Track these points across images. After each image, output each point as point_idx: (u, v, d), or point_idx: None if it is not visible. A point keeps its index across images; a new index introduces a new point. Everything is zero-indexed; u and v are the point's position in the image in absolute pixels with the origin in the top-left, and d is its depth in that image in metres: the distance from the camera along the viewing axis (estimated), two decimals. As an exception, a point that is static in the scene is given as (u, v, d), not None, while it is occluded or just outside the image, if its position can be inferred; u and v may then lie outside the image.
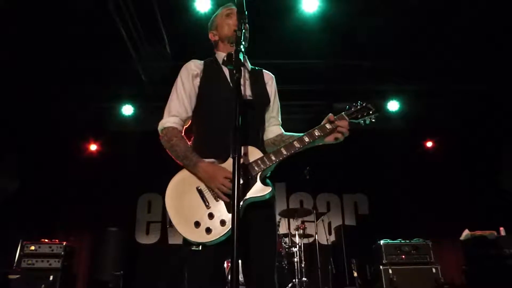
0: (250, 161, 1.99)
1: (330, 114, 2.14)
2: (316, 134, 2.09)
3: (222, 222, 1.90)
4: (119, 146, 7.71)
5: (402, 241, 5.70)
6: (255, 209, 1.96)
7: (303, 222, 6.19)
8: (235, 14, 2.20)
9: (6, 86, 6.21)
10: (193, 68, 2.24)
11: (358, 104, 2.21)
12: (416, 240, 5.72)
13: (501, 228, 5.63)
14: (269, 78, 2.38)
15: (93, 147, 7.91)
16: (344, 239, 6.60)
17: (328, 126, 2.12)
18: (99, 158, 7.86)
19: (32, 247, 5.70)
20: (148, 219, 7.78)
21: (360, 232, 7.28)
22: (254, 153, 2.02)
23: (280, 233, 6.21)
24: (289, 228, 6.80)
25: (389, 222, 7.21)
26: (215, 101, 2.15)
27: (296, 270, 5.63)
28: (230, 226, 1.81)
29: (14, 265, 5.58)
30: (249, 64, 2.36)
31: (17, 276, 5.42)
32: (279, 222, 6.52)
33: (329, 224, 7.62)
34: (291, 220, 6.92)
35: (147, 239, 7.64)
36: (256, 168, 1.97)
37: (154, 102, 7.20)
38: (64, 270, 5.70)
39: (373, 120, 2.22)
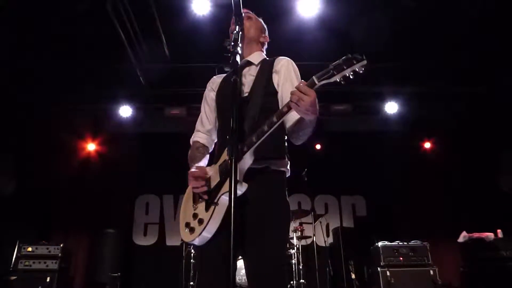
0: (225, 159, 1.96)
1: (301, 80, 1.83)
2: (284, 110, 1.81)
3: (200, 221, 1.91)
4: (117, 147, 7.69)
5: (399, 243, 5.70)
6: (245, 206, 1.87)
7: (301, 224, 6.18)
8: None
9: (4, 86, 6.21)
10: (210, 84, 2.40)
11: (341, 59, 1.83)
12: (414, 242, 5.72)
13: (499, 231, 5.64)
14: (280, 64, 2.20)
15: (91, 148, 7.89)
16: (342, 240, 6.58)
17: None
18: (97, 159, 7.84)
19: (29, 249, 5.68)
20: (146, 221, 7.76)
21: (358, 233, 7.27)
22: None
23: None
24: (287, 230, 6.79)
25: (387, 224, 7.21)
26: (223, 108, 2.21)
27: (294, 272, 5.63)
28: (205, 225, 1.86)
29: (11, 266, 5.57)
30: (262, 57, 2.30)
31: (14, 277, 5.40)
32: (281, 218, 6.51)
33: (327, 225, 7.62)
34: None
35: (145, 240, 7.62)
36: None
37: (152, 103, 7.22)
38: (61, 272, 5.68)
39: (360, 71, 1.82)
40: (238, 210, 1.77)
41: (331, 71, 1.79)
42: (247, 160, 1.89)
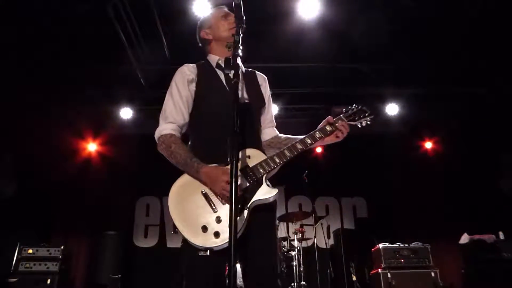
0: (254, 163, 1.99)
1: (329, 116, 2.22)
2: (318, 136, 2.16)
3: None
4: (117, 149, 7.70)
5: (401, 244, 5.68)
6: (257, 212, 1.94)
7: (301, 226, 6.17)
8: (232, 17, 2.21)
9: (5, 88, 6.21)
10: (188, 72, 2.21)
11: (354, 107, 2.31)
12: (415, 244, 5.70)
13: (500, 232, 5.63)
14: (263, 79, 2.38)
15: (91, 149, 7.88)
16: (343, 242, 6.57)
17: (328, 128, 2.19)
18: (97, 161, 7.84)
19: (30, 251, 5.68)
20: (146, 223, 7.76)
21: (359, 235, 7.25)
22: (257, 156, 2.01)
23: (279, 236, 6.19)
24: (287, 232, 6.78)
25: (387, 225, 7.21)
26: (212, 106, 2.13)
27: (294, 274, 5.62)
28: (239, 229, 1.83)
29: (12, 268, 5.56)
30: (243, 66, 2.31)
31: (15, 279, 5.40)
32: (277, 225, 6.51)
33: (328, 227, 7.61)
34: (289, 223, 6.89)
35: (145, 242, 7.62)
36: (261, 170, 1.97)
37: (153, 105, 7.21)
38: (62, 274, 5.68)
39: (369, 122, 2.32)
40: (264, 215, 1.99)
41: (352, 115, 2.29)
42: (275, 170, 2.06)
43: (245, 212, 1.89)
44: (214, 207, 1.93)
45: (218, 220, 1.90)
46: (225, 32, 2.23)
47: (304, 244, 6.21)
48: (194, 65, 2.28)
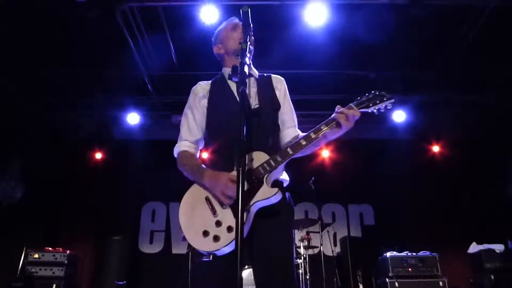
0: (257, 165, 1.95)
1: (338, 105, 2.08)
2: (323, 129, 2.02)
3: (229, 229, 1.86)
4: (124, 154, 7.73)
5: (408, 253, 5.63)
6: (266, 216, 1.92)
7: (308, 233, 6.12)
8: (240, 27, 2.22)
9: (12, 94, 6.27)
10: (199, 90, 2.30)
11: (371, 93, 2.12)
12: (423, 253, 5.64)
13: (509, 241, 5.56)
14: (278, 82, 2.34)
15: (98, 155, 7.92)
16: (350, 250, 6.51)
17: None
18: (104, 166, 7.87)
19: (36, 255, 5.71)
20: (152, 228, 7.75)
21: (366, 243, 7.19)
22: (260, 157, 1.97)
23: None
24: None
25: (395, 233, 7.14)
26: (223, 117, 2.16)
27: (301, 282, 5.58)
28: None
29: (18, 272, 5.58)
30: (256, 72, 2.35)
31: (21, 284, 5.41)
32: (293, 231, 6.49)
33: (335, 235, 7.55)
34: (296, 231, 6.86)
35: (151, 248, 7.61)
36: (262, 171, 1.93)
37: (160, 111, 7.26)
38: (67, 279, 5.70)
39: (389, 107, 2.12)
40: (272, 219, 1.95)
41: (366, 102, 2.10)
42: (279, 171, 2.01)
43: (245, 214, 1.84)
44: (214, 211, 1.94)
45: (218, 224, 1.90)
46: (234, 44, 2.25)
47: (310, 251, 6.16)
48: (208, 81, 2.35)
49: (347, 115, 2.00)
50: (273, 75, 2.37)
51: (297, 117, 2.38)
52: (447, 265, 5.95)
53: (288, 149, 1.97)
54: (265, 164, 1.95)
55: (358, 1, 4.99)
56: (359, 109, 2.06)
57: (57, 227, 7.39)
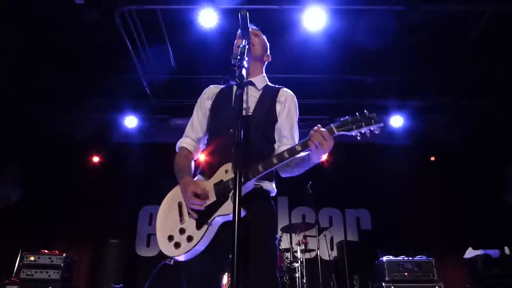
0: (228, 178, 1.91)
1: (318, 125, 1.88)
2: (297, 149, 1.88)
3: (189, 238, 1.89)
4: (121, 157, 7.71)
5: (405, 258, 5.63)
6: (245, 225, 1.83)
7: (305, 237, 6.12)
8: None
9: (11, 96, 6.26)
10: (207, 92, 2.38)
11: (360, 114, 1.90)
12: (419, 258, 5.64)
13: (505, 247, 5.57)
14: (284, 96, 2.26)
15: (95, 158, 7.91)
16: (346, 254, 6.51)
17: (309, 142, 1.87)
18: (102, 169, 7.86)
19: (32, 258, 5.65)
20: (149, 232, 7.74)
21: (363, 248, 7.20)
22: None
23: (282, 247, 6.15)
24: (291, 243, 6.74)
25: (391, 238, 7.14)
26: (220, 119, 2.20)
27: (297, 286, 5.56)
28: (195, 243, 1.85)
29: (13, 275, 5.55)
30: (265, 82, 2.33)
31: (16, 287, 5.38)
32: (280, 237, 6.48)
33: (331, 239, 7.55)
34: (292, 234, 6.85)
35: (148, 251, 7.59)
36: (231, 186, 1.87)
37: (158, 114, 7.25)
38: (63, 282, 5.64)
39: (376, 132, 1.89)
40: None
41: (350, 124, 1.88)
42: (249, 186, 1.90)
43: (204, 227, 1.87)
44: (181, 219, 1.97)
45: (182, 231, 1.93)
46: (234, 51, 2.29)
47: (307, 255, 6.16)
48: (219, 86, 2.40)
49: (319, 139, 1.83)
50: (283, 89, 2.31)
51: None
52: (444, 270, 5.97)
53: (259, 166, 1.87)
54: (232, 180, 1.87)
55: (357, 7, 5.01)
56: (340, 131, 1.87)
57: (54, 230, 7.36)
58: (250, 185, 1.89)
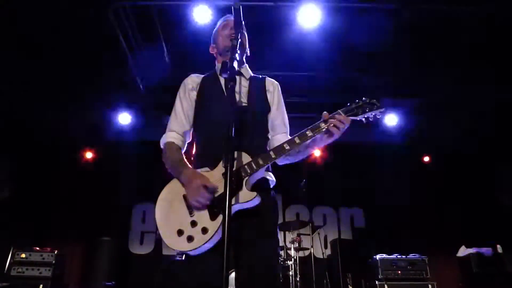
0: (238, 166, 1.91)
1: (325, 112, 2.01)
2: (309, 135, 1.97)
3: (204, 230, 1.84)
4: (115, 154, 7.67)
5: (398, 256, 5.65)
6: (245, 217, 1.87)
7: (298, 235, 6.12)
8: (230, 25, 2.24)
9: (3, 92, 6.19)
10: (189, 82, 2.30)
11: (361, 100, 2.06)
12: (413, 256, 5.66)
13: (498, 246, 5.60)
14: (272, 85, 2.33)
15: (88, 155, 7.86)
16: (340, 253, 6.52)
17: (322, 125, 1.99)
18: (95, 167, 7.81)
19: (23, 255, 5.59)
20: (143, 229, 7.70)
21: (356, 246, 7.22)
22: (242, 158, 1.93)
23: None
24: (284, 241, 6.74)
25: (385, 236, 7.16)
26: (210, 111, 2.16)
27: (290, 284, 5.56)
28: (211, 234, 1.80)
29: (4, 272, 5.48)
30: (249, 72, 2.34)
31: (6, 284, 5.32)
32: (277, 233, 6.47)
33: (325, 237, 7.55)
34: (286, 232, 6.85)
35: (141, 249, 7.55)
36: (243, 173, 1.89)
37: (152, 111, 7.20)
38: (55, 279, 5.59)
39: (378, 116, 2.05)
40: (252, 221, 1.90)
41: (355, 109, 2.03)
42: (260, 173, 1.95)
43: (220, 216, 1.84)
44: (191, 211, 1.91)
45: (193, 224, 1.88)
46: (224, 41, 2.28)
47: (300, 253, 6.16)
48: (199, 75, 2.34)
49: (337, 123, 1.96)
50: (267, 78, 2.36)
51: (290, 119, 2.37)
52: (437, 268, 5.98)
53: (271, 153, 1.94)
54: (246, 166, 1.91)
55: (352, 5, 5.00)
56: (347, 116, 2.01)
57: (46, 227, 7.29)
58: (261, 173, 1.95)
